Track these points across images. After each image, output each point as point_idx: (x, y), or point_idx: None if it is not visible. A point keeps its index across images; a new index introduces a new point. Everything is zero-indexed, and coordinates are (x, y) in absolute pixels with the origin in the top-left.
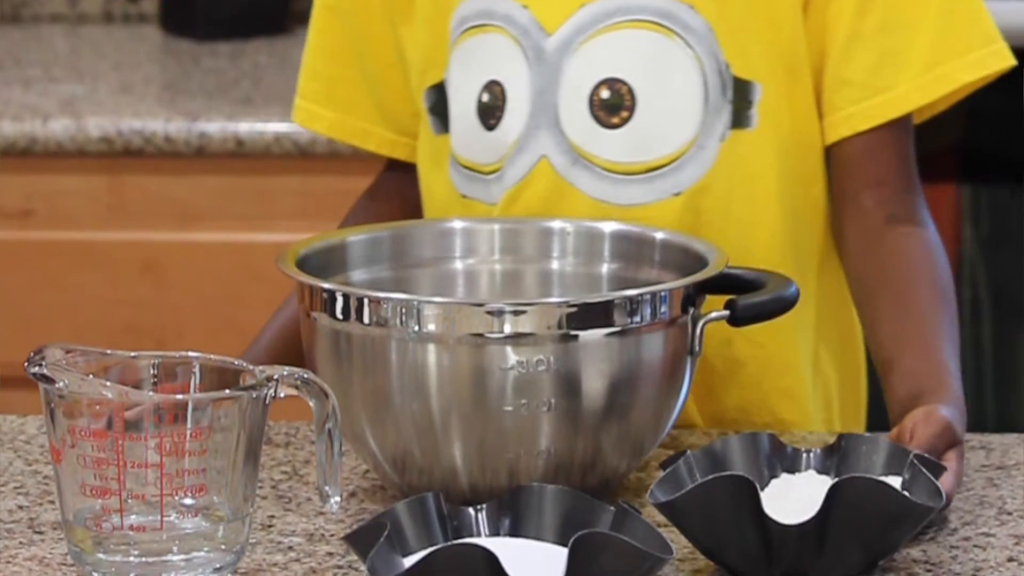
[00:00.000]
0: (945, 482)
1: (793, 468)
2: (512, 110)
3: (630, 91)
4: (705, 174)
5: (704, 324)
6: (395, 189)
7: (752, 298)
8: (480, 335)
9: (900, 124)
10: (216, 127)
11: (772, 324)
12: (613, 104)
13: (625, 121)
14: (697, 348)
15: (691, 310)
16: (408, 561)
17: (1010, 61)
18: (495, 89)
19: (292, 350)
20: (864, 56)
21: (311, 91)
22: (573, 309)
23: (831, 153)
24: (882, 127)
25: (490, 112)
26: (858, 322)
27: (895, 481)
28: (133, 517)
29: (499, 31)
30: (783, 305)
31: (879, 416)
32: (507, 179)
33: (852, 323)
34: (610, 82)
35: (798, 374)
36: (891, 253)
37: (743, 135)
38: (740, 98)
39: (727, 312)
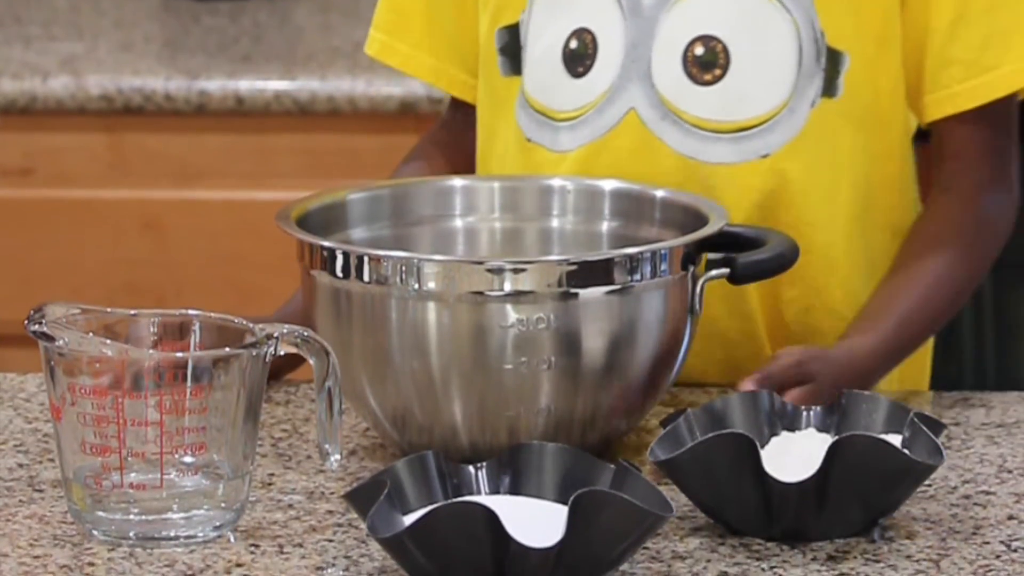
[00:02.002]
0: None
1: (793, 426)
2: (603, 60)
3: (724, 49)
4: (793, 138)
5: (704, 282)
6: (451, 140)
7: (752, 256)
8: (480, 293)
9: (1000, 105)
10: (216, 85)
11: (850, 293)
12: (707, 61)
13: (718, 79)
14: (697, 307)
15: (691, 268)
16: (408, 519)
17: None
18: (585, 37)
19: None
20: (971, 36)
21: (387, 22)
22: (573, 267)
23: (931, 129)
24: (982, 106)
25: (578, 59)
26: None
27: (895, 439)
28: (133, 475)
29: None
30: (783, 263)
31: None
32: (592, 129)
33: None
34: (705, 39)
35: None
36: (930, 215)
37: (830, 103)
38: (831, 67)
39: (727, 270)
